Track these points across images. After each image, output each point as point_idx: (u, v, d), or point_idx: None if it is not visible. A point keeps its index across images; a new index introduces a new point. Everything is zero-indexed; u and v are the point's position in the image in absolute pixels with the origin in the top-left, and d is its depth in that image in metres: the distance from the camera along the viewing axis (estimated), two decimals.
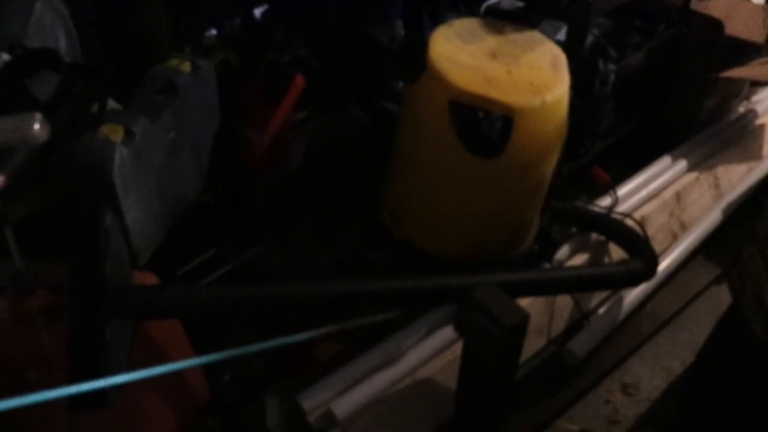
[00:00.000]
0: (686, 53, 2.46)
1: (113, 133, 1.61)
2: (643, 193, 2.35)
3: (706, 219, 2.41)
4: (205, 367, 1.68)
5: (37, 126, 1.31)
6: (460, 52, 1.83)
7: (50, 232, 1.56)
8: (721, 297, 2.24)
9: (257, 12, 2.46)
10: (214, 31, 2.38)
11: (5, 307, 1.40)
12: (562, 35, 2.17)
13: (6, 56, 1.59)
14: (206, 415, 1.65)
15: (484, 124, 1.83)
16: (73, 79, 1.63)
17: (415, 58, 1.88)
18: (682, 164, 2.48)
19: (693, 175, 2.47)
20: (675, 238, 2.36)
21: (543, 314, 2.02)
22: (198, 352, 1.61)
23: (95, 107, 1.76)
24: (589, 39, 2.19)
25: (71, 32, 1.84)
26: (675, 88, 2.56)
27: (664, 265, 2.22)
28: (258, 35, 2.40)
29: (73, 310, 1.29)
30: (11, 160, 1.31)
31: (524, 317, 1.45)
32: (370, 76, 2.36)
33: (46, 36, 1.75)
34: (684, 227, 2.40)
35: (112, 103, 1.81)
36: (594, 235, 2.19)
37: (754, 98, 2.85)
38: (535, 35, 1.96)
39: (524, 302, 1.84)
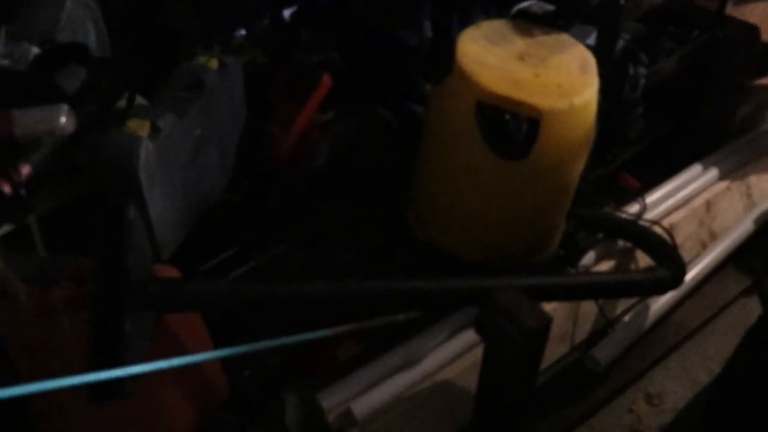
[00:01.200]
0: (720, 59, 2.42)
1: (140, 127, 1.62)
2: (673, 200, 2.31)
3: (737, 229, 2.36)
4: (225, 363, 1.68)
5: (63, 118, 1.33)
6: (487, 53, 1.82)
7: (75, 225, 1.58)
8: (750, 308, 2.19)
9: (286, 13, 2.47)
10: (243, 31, 2.40)
11: (30, 298, 1.41)
12: (592, 40, 2.15)
13: (36, 50, 1.61)
14: (225, 411, 1.65)
15: (511, 126, 1.81)
16: (101, 74, 1.65)
17: (442, 59, 1.87)
18: (714, 172, 2.43)
19: (724, 184, 2.43)
20: (704, 247, 2.32)
21: (567, 320, 2.00)
22: (218, 347, 1.61)
23: (123, 102, 1.78)
24: (620, 43, 2.16)
25: (101, 28, 1.86)
26: (708, 95, 2.52)
27: (692, 274, 2.18)
28: (286, 35, 2.41)
29: (95, 301, 1.30)
30: (37, 151, 1.33)
31: (547, 321, 1.43)
32: (397, 77, 2.36)
33: (77, 31, 1.77)
34: (714, 236, 2.35)
35: (139, 99, 1.82)
36: (621, 242, 2.16)
37: None
38: (565, 38, 1.94)
39: (548, 307, 1.82)
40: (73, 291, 1.43)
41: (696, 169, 2.44)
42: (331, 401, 1.72)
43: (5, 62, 1.63)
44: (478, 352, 1.78)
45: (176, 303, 1.42)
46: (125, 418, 1.49)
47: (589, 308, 2.04)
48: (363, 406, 1.71)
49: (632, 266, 2.17)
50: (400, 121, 2.33)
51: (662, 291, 2.01)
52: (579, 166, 1.91)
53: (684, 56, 2.37)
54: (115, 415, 1.46)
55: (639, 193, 2.29)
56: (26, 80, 1.62)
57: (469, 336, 1.84)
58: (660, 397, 2.00)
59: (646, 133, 2.42)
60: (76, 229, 1.55)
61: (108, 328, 1.27)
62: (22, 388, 0.99)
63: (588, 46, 1.95)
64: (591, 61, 1.86)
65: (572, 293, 1.85)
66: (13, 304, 1.40)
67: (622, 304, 2.13)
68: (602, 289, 1.89)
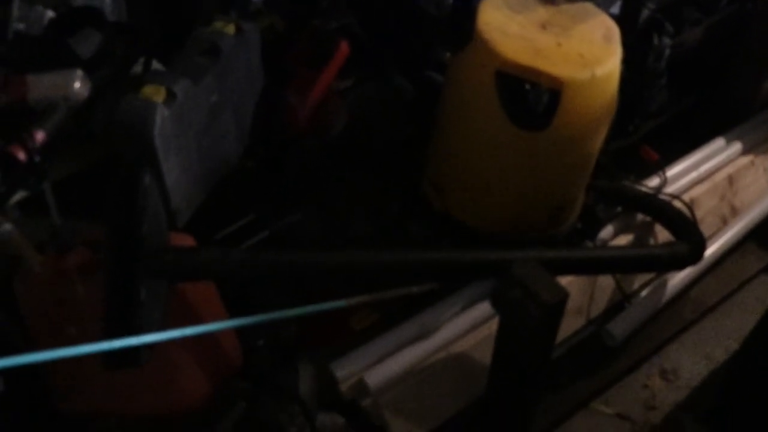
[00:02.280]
0: (749, 30, 2.36)
1: (155, 93, 1.60)
2: (694, 174, 2.28)
3: (759, 204, 2.32)
4: (239, 332, 1.68)
5: (77, 83, 1.32)
6: (509, 21, 1.78)
7: (90, 191, 1.57)
8: None
9: None
10: None
11: (44, 263, 1.41)
12: (616, 8, 2.10)
13: (51, 14, 1.60)
14: (239, 380, 1.66)
15: (531, 96, 1.78)
16: (116, 39, 1.63)
17: (462, 27, 1.83)
18: (737, 147, 2.39)
19: (748, 159, 2.39)
20: (725, 222, 2.29)
21: (583, 294, 1.98)
22: (233, 317, 1.61)
23: (139, 67, 1.76)
24: (645, 12, 2.11)
25: None
26: (734, 67, 2.46)
27: (711, 249, 2.15)
28: (304, 1, 2.38)
29: (109, 268, 1.30)
30: (52, 116, 1.32)
31: (563, 295, 1.41)
32: (415, 45, 2.32)
33: None
34: (735, 212, 2.32)
35: (155, 65, 1.80)
36: (640, 216, 2.13)
37: None
38: (588, 7, 1.90)
39: (565, 281, 1.80)
40: (87, 257, 1.42)
41: (719, 142, 2.40)
42: (344, 371, 1.72)
43: (20, 26, 1.61)
44: (493, 325, 1.77)
45: (190, 271, 1.42)
46: (139, 384, 1.50)
47: (606, 282, 2.02)
48: (376, 376, 1.71)
49: (651, 240, 2.14)
50: (418, 89, 2.29)
51: (681, 266, 1.99)
52: (600, 138, 1.88)
53: (711, 26, 2.31)
54: (128, 381, 1.47)
55: (660, 166, 2.25)
56: (41, 44, 1.60)
57: (485, 308, 1.83)
58: (675, 373, 1.98)
59: (668, 105, 2.37)
60: (90, 195, 1.55)
61: (122, 295, 1.27)
62: (38, 355, 0.99)
63: (612, 15, 1.90)
64: (615, 30, 1.82)
65: (590, 267, 1.83)
66: (28, 271, 1.40)
67: (640, 279, 2.11)
68: (620, 264, 1.87)
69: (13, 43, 1.61)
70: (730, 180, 2.32)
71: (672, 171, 2.25)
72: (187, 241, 1.59)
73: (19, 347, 1.48)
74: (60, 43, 1.57)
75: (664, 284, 2.07)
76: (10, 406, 1.54)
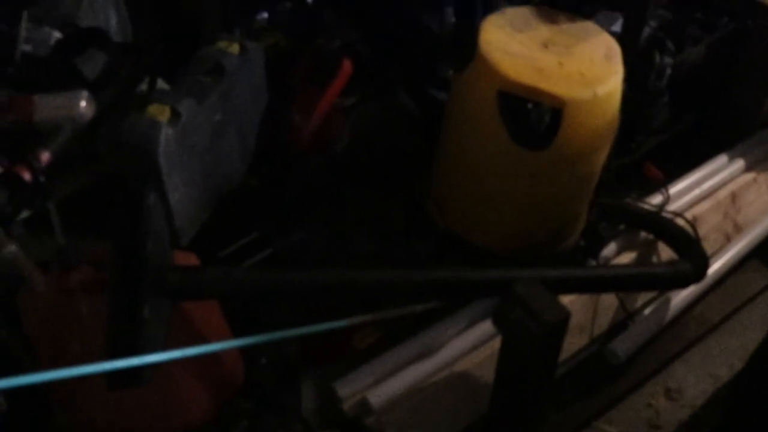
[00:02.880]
0: (749, 48, 2.37)
1: (160, 113, 1.62)
2: (697, 192, 2.28)
3: (763, 221, 2.32)
4: (242, 350, 1.68)
5: (83, 103, 1.33)
6: (510, 41, 1.79)
7: (94, 210, 1.58)
8: None
9: None
10: (264, 15, 2.38)
11: (49, 281, 1.42)
12: (617, 26, 2.11)
13: (57, 34, 1.61)
14: (241, 398, 1.66)
15: (533, 115, 1.79)
16: (122, 59, 1.65)
17: (465, 45, 1.85)
18: (740, 164, 2.39)
19: (750, 176, 2.38)
20: (728, 240, 2.28)
21: (586, 312, 1.98)
22: (236, 334, 1.61)
23: (144, 87, 1.77)
24: (646, 31, 2.12)
25: (122, 12, 1.86)
26: (735, 85, 2.47)
27: (715, 267, 2.14)
28: (308, 19, 2.39)
29: (113, 287, 1.30)
30: (57, 136, 1.33)
31: (565, 315, 1.41)
32: (419, 63, 2.33)
33: (98, 15, 1.77)
34: (738, 229, 2.31)
35: (160, 84, 1.82)
36: (642, 234, 2.13)
37: None
38: (590, 26, 1.91)
39: (567, 299, 1.81)
40: (91, 275, 1.43)
41: (721, 159, 2.40)
42: (347, 390, 1.72)
43: (27, 47, 1.63)
44: (496, 343, 1.77)
45: (194, 290, 1.42)
46: (141, 403, 1.50)
47: (609, 300, 2.01)
48: (379, 395, 1.70)
49: (654, 258, 2.14)
50: (421, 107, 2.31)
51: (684, 285, 1.98)
52: (602, 157, 1.89)
53: (712, 44, 2.32)
54: (130, 398, 1.46)
55: (662, 184, 2.25)
56: (47, 65, 1.62)
57: (487, 327, 1.82)
58: (679, 392, 1.97)
59: (670, 122, 2.38)
60: (94, 214, 1.55)
61: (126, 315, 1.28)
62: (42, 375, 0.99)
63: (613, 33, 1.91)
64: (616, 49, 1.83)
65: (592, 286, 1.83)
66: (32, 289, 1.41)
67: (643, 297, 2.10)
68: (623, 283, 1.86)
69: (20, 63, 1.63)
70: (733, 197, 2.32)
71: (674, 188, 2.25)
72: (190, 259, 1.60)
73: (22, 364, 1.49)
74: (66, 64, 1.59)
75: (667, 302, 2.06)
76: (12, 423, 1.54)
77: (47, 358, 1.47)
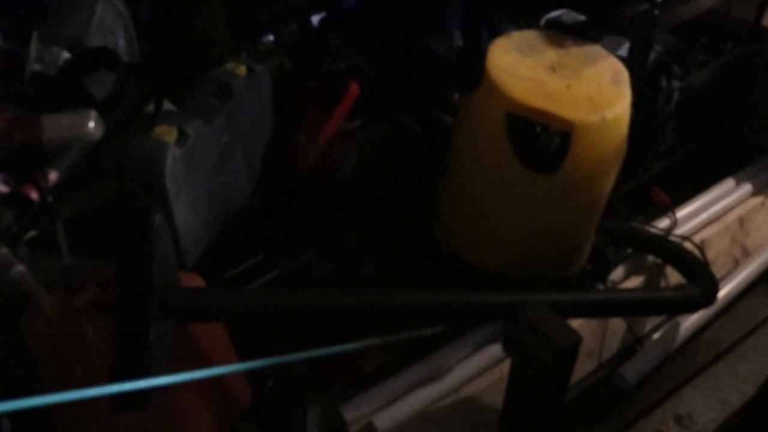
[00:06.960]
0: (755, 72, 2.38)
1: (166, 133, 1.62)
2: (704, 216, 2.27)
3: None
4: (248, 373, 1.67)
5: (91, 124, 1.33)
6: (518, 64, 1.79)
7: (101, 230, 1.57)
8: None
9: (314, 19, 2.46)
10: (271, 37, 2.39)
11: (53, 302, 1.40)
12: (624, 51, 2.11)
13: (66, 54, 1.62)
14: (246, 421, 1.64)
15: (542, 138, 1.78)
16: (130, 79, 1.65)
17: (471, 69, 1.85)
18: (747, 187, 2.38)
19: (758, 200, 2.38)
20: (736, 264, 2.27)
21: (595, 336, 1.96)
22: (241, 356, 1.60)
23: (151, 107, 1.77)
24: (653, 55, 2.12)
25: (131, 33, 1.86)
26: (742, 109, 2.47)
27: (724, 292, 2.13)
28: (314, 42, 2.40)
29: (118, 309, 1.29)
30: (65, 156, 1.33)
31: (576, 339, 1.40)
32: (425, 87, 2.34)
33: (106, 36, 1.78)
34: (747, 253, 2.30)
35: (167, 105, 1.82)
36: (650, 258, 2.12)
37: None
38: (597, 49, 1.91)
39: (576, 323, 1.78)
40: (97, 295, 1.42)
41: (729, 183, 2.39)
42: (353, 414, 1.70)
43: (36, 66, 1.63)
44: (504, 368, 1.75)
45: (199, 312, 1.41)
46: (147, 426, 1.48)
47: (617, 324, 2.00)
48: (386, 419, 1.68)
49: (662, 282, 2.12)
50: (428, 130, 2.30)
51: (693, 309, 1.97)
52: (610, 180, 1.88)
53: (718, 69, 2.32)
54: (135, 423, 1.45)
55: (669, 208, 2.24)
56: (56, 84, 1.62)
57: (495, 350, 1.81)
58: (690, 418, 1.95)
59: (678, 146, 2.38)
60: (101, 234, 1.55)
61: (131, 335, 1.26)
62: (45, 398, 0.97)
63: (619, 57, 1.91)
64: (623, 73, 1.83)
65: (601, 310, 1.82)
66: (38, 310, 1.40)
67: (652, 321, 2.09)
68: (631, 307, 1.85)
69: (29, 83, 1.63)
70: (741, 221, 2.31)
71: (682, 212, 2.25)
72: (196, 281, 1.58)
73: (26, 385, 1.47)
74: (75, 84, 1.59)
75: (676, 327, 2.05)
76: None
77: (51, 378, 1.45)
